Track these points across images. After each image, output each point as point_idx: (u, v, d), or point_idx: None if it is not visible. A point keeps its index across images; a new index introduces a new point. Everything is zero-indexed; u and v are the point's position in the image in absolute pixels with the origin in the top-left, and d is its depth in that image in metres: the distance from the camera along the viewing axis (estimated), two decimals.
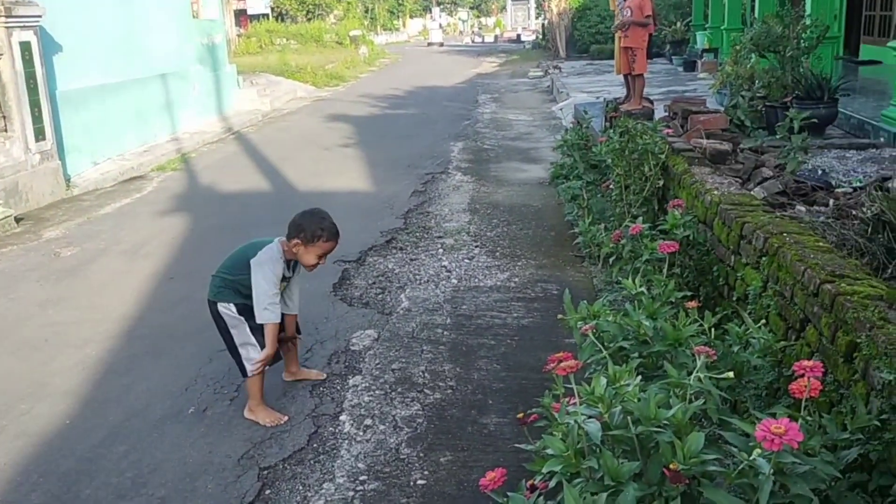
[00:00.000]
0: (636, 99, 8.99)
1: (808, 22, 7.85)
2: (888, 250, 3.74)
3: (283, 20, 40.29)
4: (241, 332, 3.70)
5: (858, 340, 2.48)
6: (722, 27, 17.39)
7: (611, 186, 5.97)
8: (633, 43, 8.87)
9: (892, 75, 6.99)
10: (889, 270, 3.65)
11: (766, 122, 7.13)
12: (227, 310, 3.71)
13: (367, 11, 51.79)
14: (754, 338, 2.72)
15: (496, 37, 53.09)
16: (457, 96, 17.88)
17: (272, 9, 42.21)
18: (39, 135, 8.32)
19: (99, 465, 3.43)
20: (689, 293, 3.20)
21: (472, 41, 53.11)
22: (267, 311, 3.62)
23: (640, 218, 4.75)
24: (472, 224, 6.94)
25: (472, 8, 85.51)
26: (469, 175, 9.03)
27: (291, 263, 3.84)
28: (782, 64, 7.60)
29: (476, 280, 5.48)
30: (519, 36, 47.44)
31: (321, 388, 4.05)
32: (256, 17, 39.72)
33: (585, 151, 7.37)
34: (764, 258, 3.45)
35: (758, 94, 7.43)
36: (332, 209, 7.51)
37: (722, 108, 7.65)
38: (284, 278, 3.81)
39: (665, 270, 3.22)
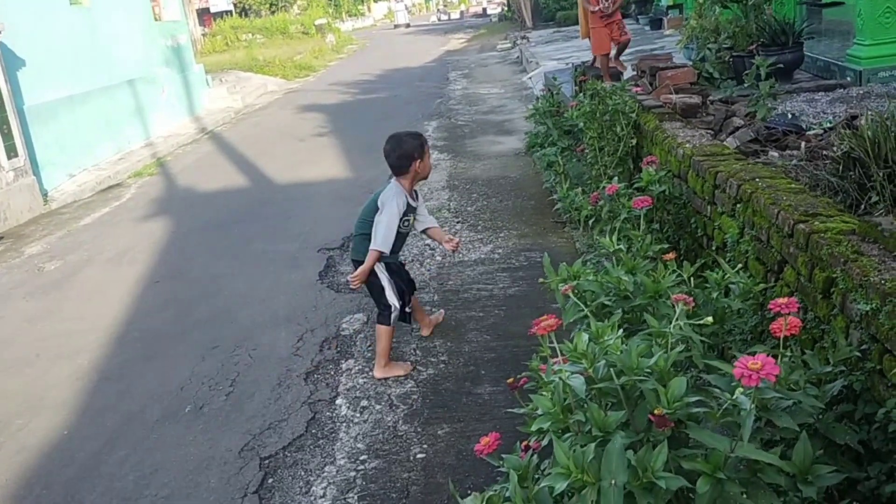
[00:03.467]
0: (606, 76, 8.91)
1: None
2: (860, 186, 3.78)
3: (247, 15, 39.83)
4: (386, 282, 3.94)
5: (834, 275, 2.53)
6: None
7: (585, 150, 6.00)
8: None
9: (855, 15, 7.01)
10: (862, 206, 3.70)
11: (734, 72, 7.15)
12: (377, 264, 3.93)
13: None
14: (733, 283, 2.77)
15: (462, 13, 52.83)
16: (427, 75, 17.81)
17: (235, 5, 41.72)
18: (11, 152, 8.25)
19: (100, 471, 3.45)
20: (666, 246, 3.23)
21: (439, 20, 52.75)
22: (381, 241, 3.83)
23: (616, 178, 4.78)
24: (452, 200, 6.96)
25: None
26: (445, 152, 9.03)
27: (414, 194, 4.06)
28: (745, 13, 7.63)
29: (460, 255, 5.50)
30: (485, 10, 47.24)
31: (315, 375, 4.07)
32: (220, 14, 39.24)
33: (558, 118, 7.38)
34: (739, 205, 3.49)
35: (724, 46, 7.44)
36: (312, 198, 7.59)
37: (690, 63, 7.66)
38: (411, 209, 4.01)
39: (642, 226, 3.25)
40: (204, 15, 38.81)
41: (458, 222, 6.30)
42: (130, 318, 5.19)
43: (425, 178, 4.19)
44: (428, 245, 5.80)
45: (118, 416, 3.91)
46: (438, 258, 5.54)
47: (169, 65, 13.96)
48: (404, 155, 3.93)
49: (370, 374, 4.01)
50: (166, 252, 6.55)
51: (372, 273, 3.90)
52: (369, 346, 4.33)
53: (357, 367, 4.11)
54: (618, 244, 2.86)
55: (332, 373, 4.08)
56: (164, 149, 11.54)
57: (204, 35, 30.90)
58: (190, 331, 4.83)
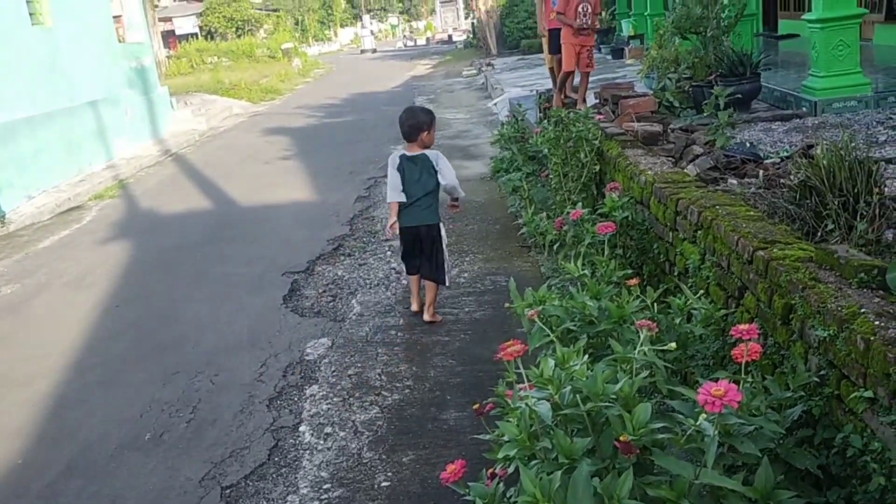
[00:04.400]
0: (557, 97, 8.49)
1: (725, 2, 8.08)
2: (816, 214, 3.88)
3: (212, 38, 39.66)
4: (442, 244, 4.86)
5: (793, 302, 2.58)
6: (645, 13, 17.74)
7: (550, 175, 6.06)
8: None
9: (810, 47, 7.23)
10: (819, 233, 3.79)
11: (693, 101, 7.32)
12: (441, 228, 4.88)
13: (297, 23, 51.35)
14: (695, 308, 2.81)
15: (428, 39, 53.20)
16: (393, 100, 17.88)
17: (201, 28, 41.59)
18: None
19: (57, 501, 3.35)
20: (629, 271, 3.28)
21: (405, 45, 53.12)
22: (388, 195, 4.83)
23: (580, 203, 4.84)
24: None
25: (401, 13, 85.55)
26: None
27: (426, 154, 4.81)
28: (704, 44, 7.81)
29: None
30: (450, 37, 47.63)
31: (279, 402, 4.02)
32: (185, 37, 39.08)
33: (523, 144, 7.46)
34: (699, 231, 3.55)
35: (684, 75, 7.61)
36: (277, 221, 7.55)
37: (651, 92, 7.81)
38: (406, 159, 4.76)
39: (606, 251, 3.29)
40: (169, 37, 38.64)
41: None
42: (89, 343, 5.08)
43: (428, 146, 4.83)
44: (394, 269, 5.80)
45: (76, 445, 3.81)
46: (404, 282, 5.53)
47: (132, 86, 13.82)
48: (415, 126, 4.73)
49: (334, 399, 3.98)
50: (127, 276, 6.44)
51: (436, 228, 4.78)
52: (334, 371, 4.30)
53: (321, 393, 4.07)
54: (582, 269, 2.89)
55: (296, 399, 4.04)
56: (126, 171, 11.39)
57: (169, 57, 30.70)
58: (150, 356, 4.75)
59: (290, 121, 15.67)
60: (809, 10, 7.37)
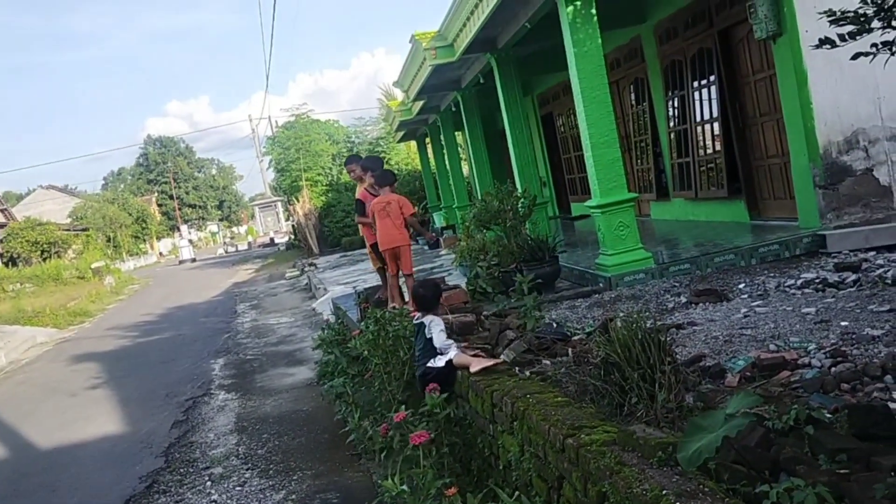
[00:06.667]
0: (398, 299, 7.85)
1: (518, 194, 8.82)
2: (621, 388, 4.06)
3: (15, 264, 37.43)
4: None
5: (604, 489, 2.61)
6: (454, 206, 19.05)
7: (373, 376, 6.01)
8: (403, 241, 7.71)
9: (597, 229, 7.95)
10: (625, 407, 3.95)
11: (504, 286, 7.71)
12: None
13: (109, 240, 49.97)
14: None
15: (249, 244, 53.56)
16: (213, 310, 17.46)
17: (2, 255, 39.24)
18: None
19: None
20: (448, 480, 3.20)
21: (226, 251, 53.03)
22: None
23: (406, 404, 4.79)
24: (241, 445, 6.56)
25: (220, 220, 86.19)
26: (234, 392, 8.65)
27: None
28: (506, 233, 8.39)
29: None
30: (272, 239, 48.19)
31: None
32: None
33: (345, 346, 7.41)
34: (515, 423, 3.59)
35: (492, 262, 8.06)
36: (81, 464, 6.83)
37: (466, 279, 8.16)
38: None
39: (423, 462, 3.22)
40: None
41: (247, 469, 5.89)
42: None
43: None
44: (214, 501, 5.33)
45: None
46: None
47: None
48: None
49: None
50: None
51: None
52: None
53: None
54: (401, 485, 2.79)
55: None
56: None
57: None
58: None
59: (101, 344, 14.74)
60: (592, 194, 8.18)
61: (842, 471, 2.51)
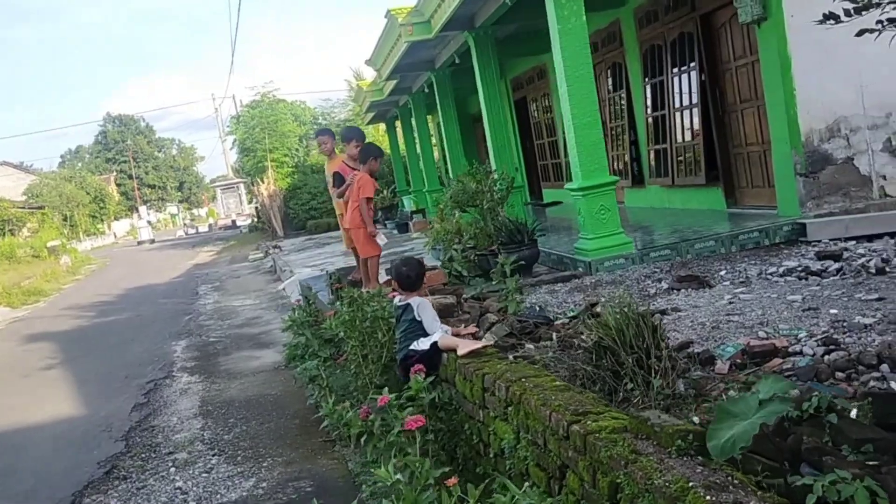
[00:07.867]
0: (372, 282, 7.55)
1: (496, 176, 8.61)
2: (614, 373, 3.88)
3: None
4: None
5: (618, 480, 2.41)
6: (424, 190, 18.81)
7: (348, 360, 5.76)
8: (353, 223, 7.57)
9: (575, 213, 7.78)
10: (620, 392, 3.78)
11: (480, 269, 7.50)
12: None
13: (66, 219, 48.61)
14: None
15: (210, 226, 52.61)
16: (174, 292, 16.97)
17: None
18: None
19: None
20: (447, 469, 2.99)
21: (186, 233, 51.98)
22: None
23: (386, 388, 4.56)
24: (206, 430, 6.25)
25: (181, 201, 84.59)
26: (197, 374, 8.31)
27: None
28: (483, 215, 8.17)
29: (218, 496, 4.80)
30: (234, 222, 47.34)
31: None
32: None
33: (317, 327, 7.14)
34: (510, 408, 3.38)
35: (468, 246, 7.85)
36: (36, 448, 6.46)
37: (439, 263, 7.94)
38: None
39: (409, 447, 2.99)
40: None
41: (213, 455, 5.59)
42: None
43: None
44: (179, 489, 5.03)
45: None
46: (193, 502, 4.81)
47: None
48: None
49: None
50: None
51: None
52: None
53: None
54: (395, 474, 2.56)
55: None
56: None
57: None
58: None
59: (56, 324, 14.21)
60: (569, 179, 8.01)
61: (870, 462, 2.35)
